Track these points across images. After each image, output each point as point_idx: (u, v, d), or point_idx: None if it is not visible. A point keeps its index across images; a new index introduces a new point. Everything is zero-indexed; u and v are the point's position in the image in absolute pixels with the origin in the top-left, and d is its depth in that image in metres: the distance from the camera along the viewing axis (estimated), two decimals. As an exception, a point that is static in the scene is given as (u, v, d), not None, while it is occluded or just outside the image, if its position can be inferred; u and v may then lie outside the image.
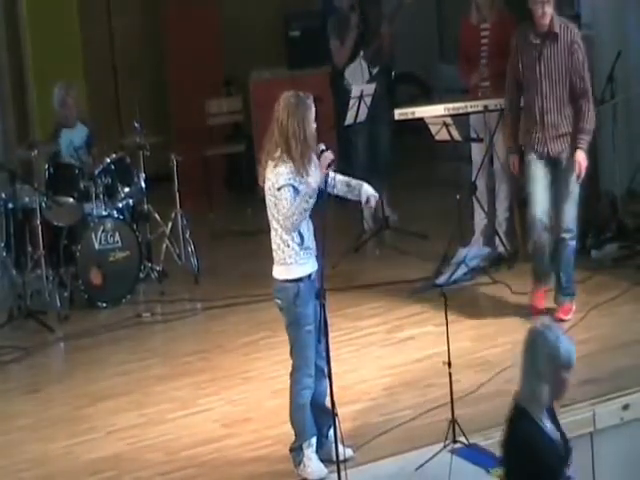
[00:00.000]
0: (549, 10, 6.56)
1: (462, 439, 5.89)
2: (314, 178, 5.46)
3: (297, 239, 5.42)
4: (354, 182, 5.66)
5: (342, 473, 5.42)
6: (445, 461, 5.76)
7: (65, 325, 8.03)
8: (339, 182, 5.54)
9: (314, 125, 5.45)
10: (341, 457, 5.65)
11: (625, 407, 6.38)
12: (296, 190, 5.40)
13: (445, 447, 5.82)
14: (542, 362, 3.93)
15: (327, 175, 5.47)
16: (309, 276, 5.44)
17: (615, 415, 6.43)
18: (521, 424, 3.98)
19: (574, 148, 6.61)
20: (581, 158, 6.51)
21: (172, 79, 11.28)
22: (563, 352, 3.94)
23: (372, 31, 9.11)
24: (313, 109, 5.50)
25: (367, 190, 5.52)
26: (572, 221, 6.83)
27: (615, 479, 6.69)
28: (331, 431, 5.72)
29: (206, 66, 11.08)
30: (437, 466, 5.94)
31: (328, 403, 5.44)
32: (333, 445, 5.64)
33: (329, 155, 5.45)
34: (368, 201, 5.53)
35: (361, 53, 8.99)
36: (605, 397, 6.50)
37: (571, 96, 6.62)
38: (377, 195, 5.54)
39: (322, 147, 5.53)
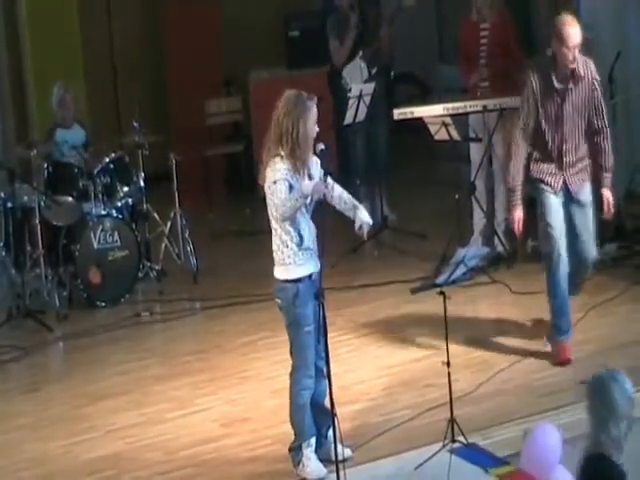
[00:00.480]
0: (577, 53, 6.25)
1: (461, 439, 5.91)
2: (307, 185, 5.47)
3: (296, 239, 5.42)
4: (350, 202, 5.67)
5: (341, 473, 5.43)
6: (444, 461, 5.76)
7: (64, 324, 8.08)
8: (336, 197, 5.55)
9: (314, 127, 5.46)
10: (340, 457, 5.64)
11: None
12: (291, 186, 5.40)
13: (444, 447, 5.83)
14: (623, 407, 3.96)
15: (325, 186, 5.44)
16: (309, 276, 5.44)
17: (614, 415, 6.40)
18: (611, 474, 3.99)
19: (592, 181, 6.50)
20: (609, 196, 6.43)
21: (172, 79, 11.31)
22: (634, 392, 4.05)
23: (371, 31, 9.15)
24: (314, 111, 5.53)
25: (361, 217, 5.53)
26: (594, 256, 6.72)
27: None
28: (330, 431, 5.68)
29: (206, 66, 11.08)
30: (436, 466, 5.93)
31: (327, 403, 5.46)
32: (332, 445, 5.61)
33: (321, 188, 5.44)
34: (361, 227, 5.52)
35: (360, 53, 9.02)
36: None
37: (588, 131, 6.46)
38: (370, 222, 5.56)
39: (321, 146, 5.51)
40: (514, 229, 6.74)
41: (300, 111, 5.46)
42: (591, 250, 6.53)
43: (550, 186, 6.46)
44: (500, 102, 7.70)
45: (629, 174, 8.68)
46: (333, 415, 5.45)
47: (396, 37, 9.36)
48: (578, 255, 6.56)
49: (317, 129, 5.48)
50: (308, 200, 5.49)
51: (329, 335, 5.63)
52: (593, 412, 4.21)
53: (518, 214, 6.34)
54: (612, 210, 6.54)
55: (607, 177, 6.51)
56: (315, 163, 5.59)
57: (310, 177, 5.54)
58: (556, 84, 6.19)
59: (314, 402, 5.70)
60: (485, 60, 8.10)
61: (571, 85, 6.17)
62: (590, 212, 6.76)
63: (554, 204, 6.48)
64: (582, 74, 6.20)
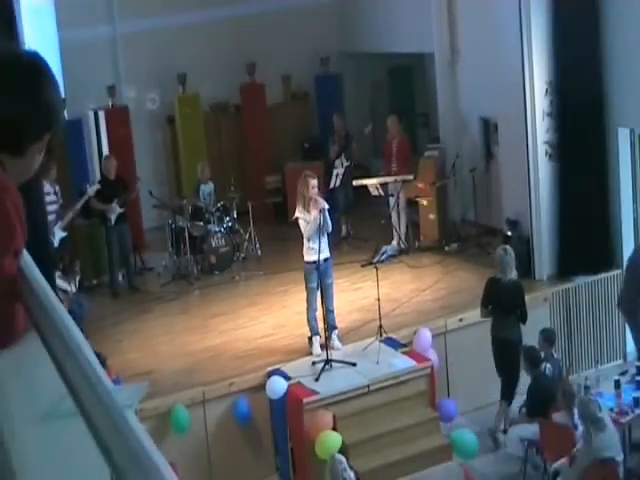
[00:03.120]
0: None
1: (385, 336, 10.35)
2: (312, 218, 9.62)
3: (307, 244, 10.01)
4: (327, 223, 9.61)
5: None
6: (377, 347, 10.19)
7: (197, 282, 12.95)
8: (326, 223, 9.65)
9: (310, 188, 9.66)
10: (337, 348, 10.19)
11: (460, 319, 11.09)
12: (305, 220, 9.80)
13: (376, 339, 10.49)
14: None
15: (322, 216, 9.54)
16: (315, 262, 10.11)
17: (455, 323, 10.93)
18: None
19: None
20: None
21: (249, 165, 15.55)
22: None
23: (348, 144, 14.23)
24: (308, 181, 9.78)
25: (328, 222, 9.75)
26: None
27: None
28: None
29: (265, 159, 15.57)
30: (371, 348, 10.17)
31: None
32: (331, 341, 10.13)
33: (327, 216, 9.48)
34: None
35: (342, 154, 14.10)
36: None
37: None
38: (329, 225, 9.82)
39: (325, 206, 9.68)
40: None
41: (303, 182, 9.86)
42: None
43: None
44: (402, 177, 13.27)
45: None
46: (331, 326, 10.02)
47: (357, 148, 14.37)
48: None
49: (317, 190, 9.80)
50: (321, 221, 9.47)
51: (327, 282, 10.02)
52: None
53: None
54: None
55: None
56: (322, 204, 9.66)
57: (320, 211, 9.49)
58: None
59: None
60: (395, 158, 13.45)
61: None
62: None
63: None
64: None
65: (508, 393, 10.05)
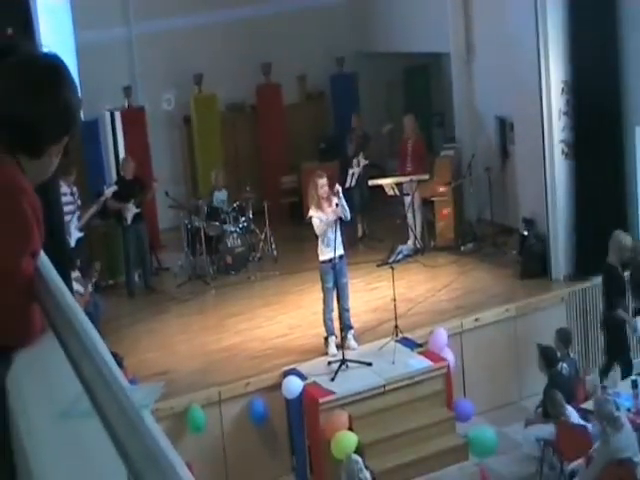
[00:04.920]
0: None
1: (400, 335, 10.36)
2: (326, 215, 9.79)
3: (322, 241, 10.10)
4: (345, 212, 9.72)
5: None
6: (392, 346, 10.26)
7: (214, 281, 12.94)
8: (341, 209, 9.66)
9: (320, 188, 9.76)
10: (353, 347, 10.20)
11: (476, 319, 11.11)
12: (319, 219, 9.84)
13: (392, 339, 10.55)
14: None
15: (337, 214, 9.60)
16: (330, 260, 9.99)
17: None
18: None
19: None
20: None
21: (265, 165, 15.66)
22: None
23: (366, 145, 14.14)
24: (317, 181, 9.85)
25: (345, 211, 9.77)
26: None
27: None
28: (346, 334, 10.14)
29: (281, 159, 15.54)
30: (387, 348, 10.17)
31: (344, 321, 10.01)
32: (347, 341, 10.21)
33: (338, 210, 9.61)
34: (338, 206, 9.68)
35: (360, 154, 14.00)
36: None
37: None
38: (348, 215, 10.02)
39: (338, 202, 9.80)
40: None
41: (314, 182, 9.95)
42: None
43: None
44: (417, 177, 13.29)
45: None
46: (346, 326, 10.09)
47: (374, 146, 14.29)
48: None
49: (327, 189, 9.84)
50: (334, 219, 9.59)
51: (343, 282, 10.09)
52: None
53: None
54: None
55: None
56: (334, 201, 9.74)
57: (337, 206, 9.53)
58: None
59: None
60: (410, 157, 13.43)
61: None
62: None
63: None
64: None
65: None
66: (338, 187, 9.91)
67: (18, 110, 2.27)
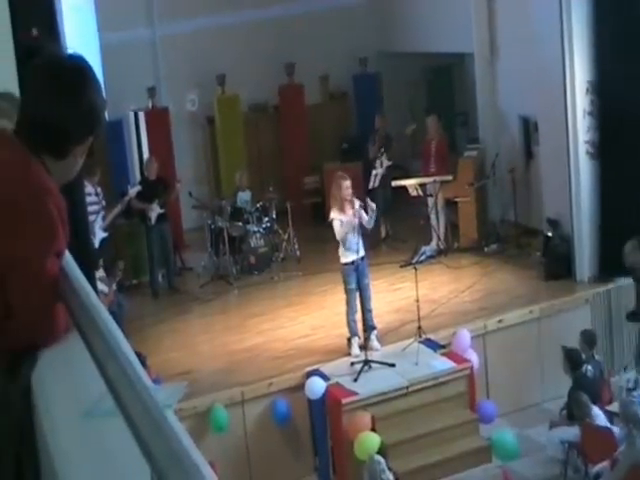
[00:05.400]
0: None
1: (424, 337, 10.39)
2: (347, 218, 9.70)
3: (343, 245, 9.97)
4: (370, 219, 9.73)
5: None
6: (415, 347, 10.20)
7: (237, 282, 12.88)
8: (365, 218, 9.77)
9: (344, 190, 9.74)
10: (376, 348, 10.20)
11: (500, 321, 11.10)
12: (340, 221, 9.81)
13: (415, 340, 10.52)
14: None
15: (360, 217, 9.62)
16: (352, 262, 9.98)
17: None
18: None
19: None
20: None
21: (287, 166, 15.69)
22: None
23: (389, 145, 14.04)
24: (341, 183, 9.83)
25: (371, 216, 10.07)
26: None
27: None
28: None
29: (303, 160, 15.56)
30: (410, 349, 10.17)
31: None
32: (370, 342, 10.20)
33: (363, 214, 9.63)
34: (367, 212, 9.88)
35: (383, 155, 13.85)
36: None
37: None
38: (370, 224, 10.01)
39: (359, 203, 9.82)
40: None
41: (337, 183, 9.92)
42: None
43: None
44: (440, 178, 13.24)
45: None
46: (369, 326, 10.05)
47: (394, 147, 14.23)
48: None
49: (350, 191, 9.83)
50: (356, 221, 9.63)
51: (365, 282, 10.04)
52: None
53: None
54: None
55: None
56: (356, 204, 9.76)
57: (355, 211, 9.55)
58: None
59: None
60: (433, 158, 13.39)
61: None
62: None
63: None
64: None
65: None
66: (372, 205, 9.96)
67: (43, 111, 2.29)
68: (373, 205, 9.92)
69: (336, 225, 9.93)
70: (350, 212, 9.82)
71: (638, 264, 10.19)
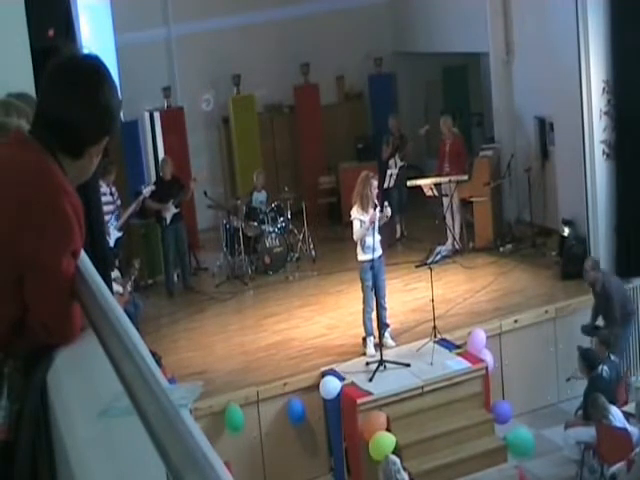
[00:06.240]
0: None
1: (439, 336, 10.35)
2: (369, 218, 9.70)
3: (361, 244, 9.98)
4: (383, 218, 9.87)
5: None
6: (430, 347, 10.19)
7: (252, 282, 13.01)
8: (380, 217, 9.87)
9: (373, 190, 9.74)
10: (390, 345, 10.25)
11: (515, 321, 11.06)
12: (361, 221, 9.88)
13: (431, 340, 10.60)
14: None
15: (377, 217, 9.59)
16: (371, 260, 9.92)
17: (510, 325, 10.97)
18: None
19: None
20: None
21: (304, 166, 15.80)
22: None
23: (403, 146, 14.19)
24: (372, 182, 9.83)
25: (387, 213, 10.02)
26: None
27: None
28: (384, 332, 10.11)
29: (318, 160, 15.71)
30: (425, 349, 10.11)
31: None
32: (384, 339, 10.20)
33: (381, 215, 9.62)
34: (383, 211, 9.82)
35: (397, 155, 14.11)
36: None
37: None
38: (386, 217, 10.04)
39: (378, 205, 10.05)
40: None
41: (363, 182, 9.84)
42: None
43: None
44: (455, 178, 13.23)
45: None
46: (384, 323, 10.04)
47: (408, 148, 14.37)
48: None
49: (377, 191, 9.96)
50: (376, 222, 9.57)
51: (381, 279, 10.08)
52: None
53: None
54: None
55: None
56: (376, 205, 9.69)
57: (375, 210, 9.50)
58: None
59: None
60: (448, 158, 13.35)
61: None
62: None
63: None
64: None
65: None
66: (388, 211, 9.99)
67: (59, 111, 2.30)
68: (389, 211, 9.92)
69: (356, 225, 9.90)
70: (371, 212, 9.76)
71: (598, 280, 10.45)
